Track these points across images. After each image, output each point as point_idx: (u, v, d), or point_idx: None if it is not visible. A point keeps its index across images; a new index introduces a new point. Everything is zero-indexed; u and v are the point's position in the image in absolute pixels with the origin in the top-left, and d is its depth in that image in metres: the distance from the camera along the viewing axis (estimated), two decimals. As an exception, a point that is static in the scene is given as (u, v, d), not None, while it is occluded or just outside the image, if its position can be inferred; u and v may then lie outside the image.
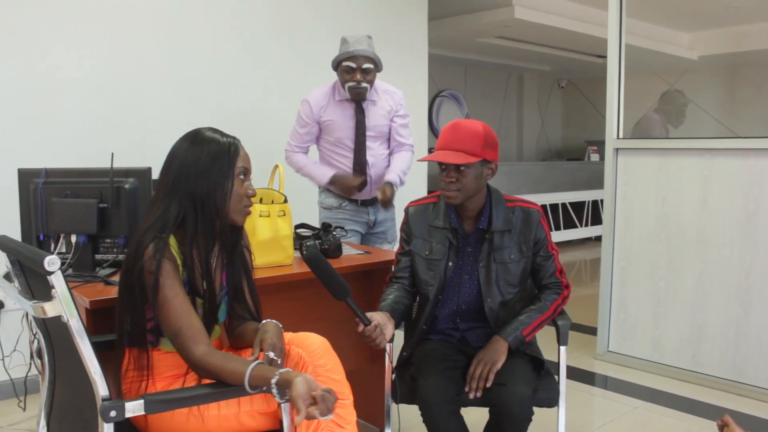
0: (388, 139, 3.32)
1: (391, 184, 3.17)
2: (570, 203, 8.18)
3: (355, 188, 3.19)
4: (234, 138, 1.75)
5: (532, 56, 8.55)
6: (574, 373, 3.64)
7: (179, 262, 1.64)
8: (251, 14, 4.04)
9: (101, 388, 1.39)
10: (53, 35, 3.31)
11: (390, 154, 3.32)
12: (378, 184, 3.25)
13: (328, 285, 1.95)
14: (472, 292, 2.16)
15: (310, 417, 1.42)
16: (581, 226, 8.32)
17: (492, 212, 2.12)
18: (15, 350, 2.41)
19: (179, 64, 3.75)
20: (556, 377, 2.18)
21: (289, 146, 3.32)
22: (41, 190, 2.16)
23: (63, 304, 1.34)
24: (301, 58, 4.25)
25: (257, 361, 1.56)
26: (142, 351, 1.65)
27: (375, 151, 3.24)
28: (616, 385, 3.50)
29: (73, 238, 2.13)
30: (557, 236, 7.93)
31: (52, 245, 2.18)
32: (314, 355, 1.72)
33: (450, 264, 2.14)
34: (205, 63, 3.85)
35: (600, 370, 3.74)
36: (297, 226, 2.85)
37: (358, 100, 3.15)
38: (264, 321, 1.76)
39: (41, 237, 2.19)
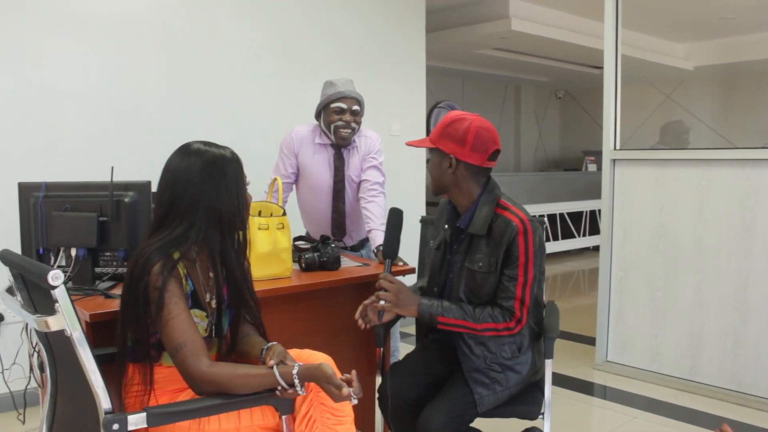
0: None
1: None
2: (568, 213, 8.20)
3: None
4: (230, 148, 1.78)
5: (530, 67, 8.60)
6: (573, 383, 3.65)
7: (182, 275, 1.66)
8: (252, 26, 4.07)
9: (104, 402, 1.40)
10: (54, 48, 3.33)
11: (359, 197, 3.08)
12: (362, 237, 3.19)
13: (388, 241, 2.10)
14: (452, 293, 2.09)
15: (344, 398, 1.54)
16: (579, 236, 8.34)
17: (475, 213, 2.01)
18: (14, 363, 2.41)
19: (180, 78, 3.77)
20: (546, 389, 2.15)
21: (273, 172, 3.16)
22: (41, 204, 2.17)
23: (66, 318, 1.35)
24: (300, 70, 4.27)
25: (275, 364, 1.61)
26: (145, 366, 1.66)
27: (352, 198, 3.12)
28: (615, 395, 3.51)
29: (73, 252, 2.13)
30: (556, 246, 7.95)
31: (52, 259, 2.19)
32: None
33: (447, 257, 2.12)
34: (205, 76, 3.87)
35: (599, 380, 3.75)
36: (296, 239, 2.87)
37: (343, 145, 3.03)
38: (271, 343, 1.76)
39: (41, 250, 2.20)
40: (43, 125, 3.32)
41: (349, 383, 1.55)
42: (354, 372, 1.57)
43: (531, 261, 1.94)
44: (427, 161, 2.07)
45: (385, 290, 1.97)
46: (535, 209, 8.02)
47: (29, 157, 3.27)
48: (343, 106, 2.97)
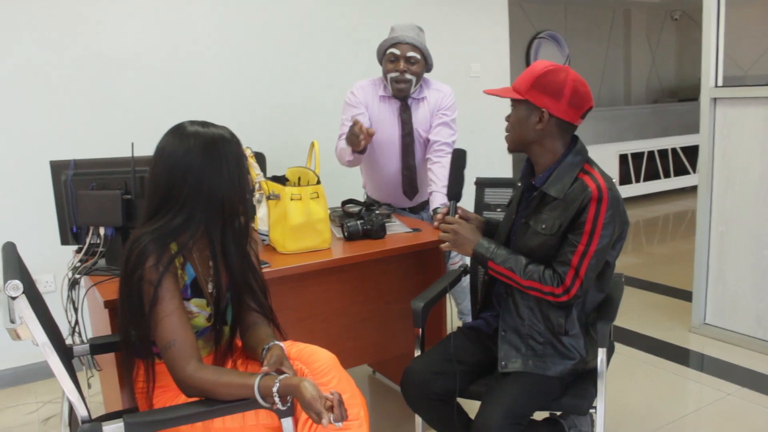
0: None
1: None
2: (681, 148, 7.54)
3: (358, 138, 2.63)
4: (227, 128, 1.64)
5: (639, -12, 7.81)
6: (664, 349, 3.33)
7: (178, 265, 1.58)
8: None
9: (80, 409, 1.34)
10: (103, 19, 3.28)
11: (426, 157, 2.89)
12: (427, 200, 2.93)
13: (451, 182, 2.01)
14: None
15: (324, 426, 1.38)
16: (694, 172, 7.67)
17: (554, 173, 1.82)
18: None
19: (238, 32, 3.65)
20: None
21: (339, 139, 2.90)
22: (71, 182, 2.14)
23: (30, 329, 1.28)
24: (369, 11, 4.01)
25: (261, 374, 1.47)
26: (148, 362, 1.60)
27: (420, 156, 2.91)
28: (711, 366, 3.15)
29: (102, 231, 2.10)
30: (666, 184, 7.39)
31: (85, 237, 2.17)
32: (318, 372, 1.61)
33: (513, 216, 1.97)
34: (265, 26, 3.72)
35: (694, 346, 3.38)
36: (345, 202, 2.72)
37: (400, 96, 2.82)
38: (272, 343, 1.63)
39: (74, 229, 2.19)
40: (99, 96, 3.29)
41: (330, 408, 1.38)
42: (337, 394, 1.40)
43: (597, 232, 1.75)
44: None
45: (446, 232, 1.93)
46: (644, 145, 7.43)
47: (85, 132, 3.26)
48: (396, 52, 2.76)
